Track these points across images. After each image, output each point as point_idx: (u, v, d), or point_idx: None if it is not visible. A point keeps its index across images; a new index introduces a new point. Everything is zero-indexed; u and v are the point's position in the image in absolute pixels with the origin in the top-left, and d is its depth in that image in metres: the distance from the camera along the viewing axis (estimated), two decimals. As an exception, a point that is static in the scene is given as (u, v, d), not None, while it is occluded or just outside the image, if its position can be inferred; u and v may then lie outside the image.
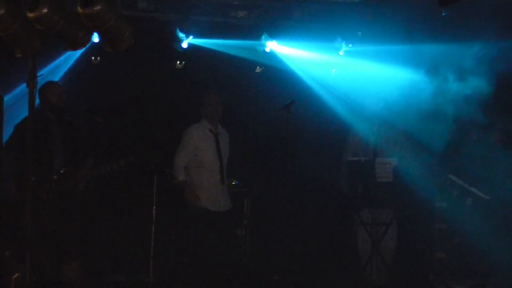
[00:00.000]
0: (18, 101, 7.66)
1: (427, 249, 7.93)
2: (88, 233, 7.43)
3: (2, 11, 5.67)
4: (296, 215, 8.05)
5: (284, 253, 8.04)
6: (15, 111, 7.17)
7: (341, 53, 8.71)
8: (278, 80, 9.08)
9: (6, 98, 6.84)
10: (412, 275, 7.85)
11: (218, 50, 8.60)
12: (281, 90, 8.77)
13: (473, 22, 7.58)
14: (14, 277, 5.66)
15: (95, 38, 7.03)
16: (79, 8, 5.73)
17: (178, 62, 9.07)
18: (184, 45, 8.29)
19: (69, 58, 8.52)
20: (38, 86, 5.86)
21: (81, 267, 7.06)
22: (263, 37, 8.42)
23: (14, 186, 6.58)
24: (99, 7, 5.67)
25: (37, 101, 6.44)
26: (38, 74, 5.71)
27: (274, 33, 8.41)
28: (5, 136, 6.51)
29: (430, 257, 7.91)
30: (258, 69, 9.39)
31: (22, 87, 6.25)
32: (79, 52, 8.21)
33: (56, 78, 8.20)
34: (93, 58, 8.66)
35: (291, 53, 8.75)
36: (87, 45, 6.32)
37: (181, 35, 8.18)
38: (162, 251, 7.28)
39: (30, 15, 5.64)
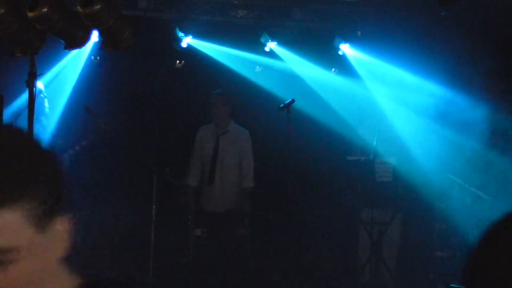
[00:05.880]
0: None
1: (427, 248, 7.92)
2: (88, 232, 7.41)
3: (2, 11, 5.68)
4: (296, 214, 8.03)
5: (284, 253, 8.02)
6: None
7: (340, 52, 8.69)
8: (277, 80, 9.06)
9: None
10: (412, 274, 7.84)
11: (218, 49, 8.58)
12: (280, 90, 8.75)
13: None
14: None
15: (95, 37, 7.02)
16: (79, 7, 5.75)
17: (178, 61, 9.05)
18: (184, 44, 8.28)
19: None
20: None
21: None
22: (262, 36, 8.40)
23: None
24: (98, 7, 5.69)
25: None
26: (38, 73, 5.70)
27: (274, 33, 8.39)
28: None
29: (430, 256, 7.90)
30: (257, 69, 9.36)
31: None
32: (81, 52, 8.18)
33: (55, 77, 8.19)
34: (92, 57, 8.65)
35: (290, 52, 8.73)
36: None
37: (180, 34, 8.16)
38: (162, 251, 7.27)
39: (30, 14, 5.65)
